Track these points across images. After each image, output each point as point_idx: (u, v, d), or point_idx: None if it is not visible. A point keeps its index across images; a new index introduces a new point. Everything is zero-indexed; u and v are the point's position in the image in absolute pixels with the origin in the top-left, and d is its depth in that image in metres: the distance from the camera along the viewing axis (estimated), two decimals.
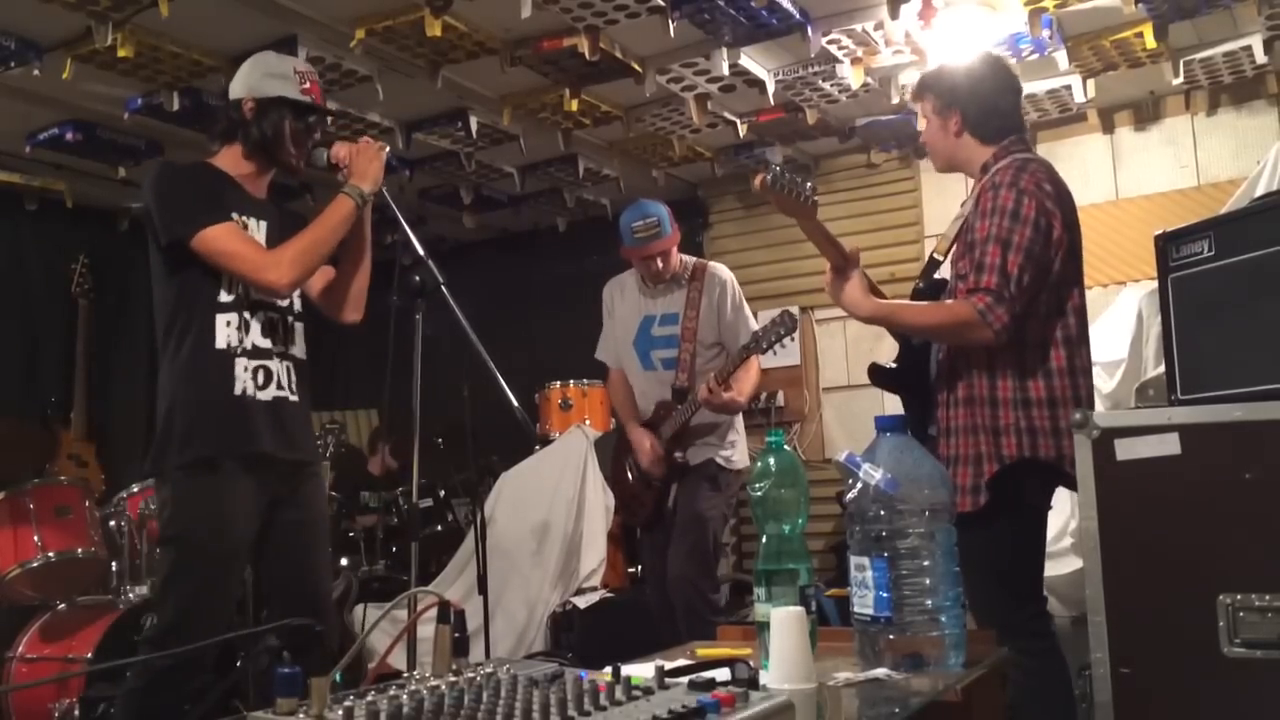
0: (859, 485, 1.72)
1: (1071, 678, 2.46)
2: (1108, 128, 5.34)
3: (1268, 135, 4.87)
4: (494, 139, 5.08)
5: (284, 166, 2.71)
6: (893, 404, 2.69)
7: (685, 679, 1.28)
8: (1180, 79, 4.71)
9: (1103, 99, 5.07)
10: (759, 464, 1.72)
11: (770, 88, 4.57)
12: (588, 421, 5.40)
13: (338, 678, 1.18)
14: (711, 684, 1.24)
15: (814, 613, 1.64)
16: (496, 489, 4.99)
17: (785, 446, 1.74)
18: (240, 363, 2.56)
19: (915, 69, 4.54)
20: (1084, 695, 2.55)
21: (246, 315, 2.59)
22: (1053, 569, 2.87)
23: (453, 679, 1.30)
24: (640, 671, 1.30)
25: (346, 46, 3.97)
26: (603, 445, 4.83)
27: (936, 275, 2.68)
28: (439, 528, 5.65)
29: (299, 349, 2.72)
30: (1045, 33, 4.12)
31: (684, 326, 3.78)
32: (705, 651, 1.81)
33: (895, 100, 4.84)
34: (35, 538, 3.98)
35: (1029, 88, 4.72)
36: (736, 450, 3.83)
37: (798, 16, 4.00)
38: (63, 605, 4.02)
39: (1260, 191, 3.57)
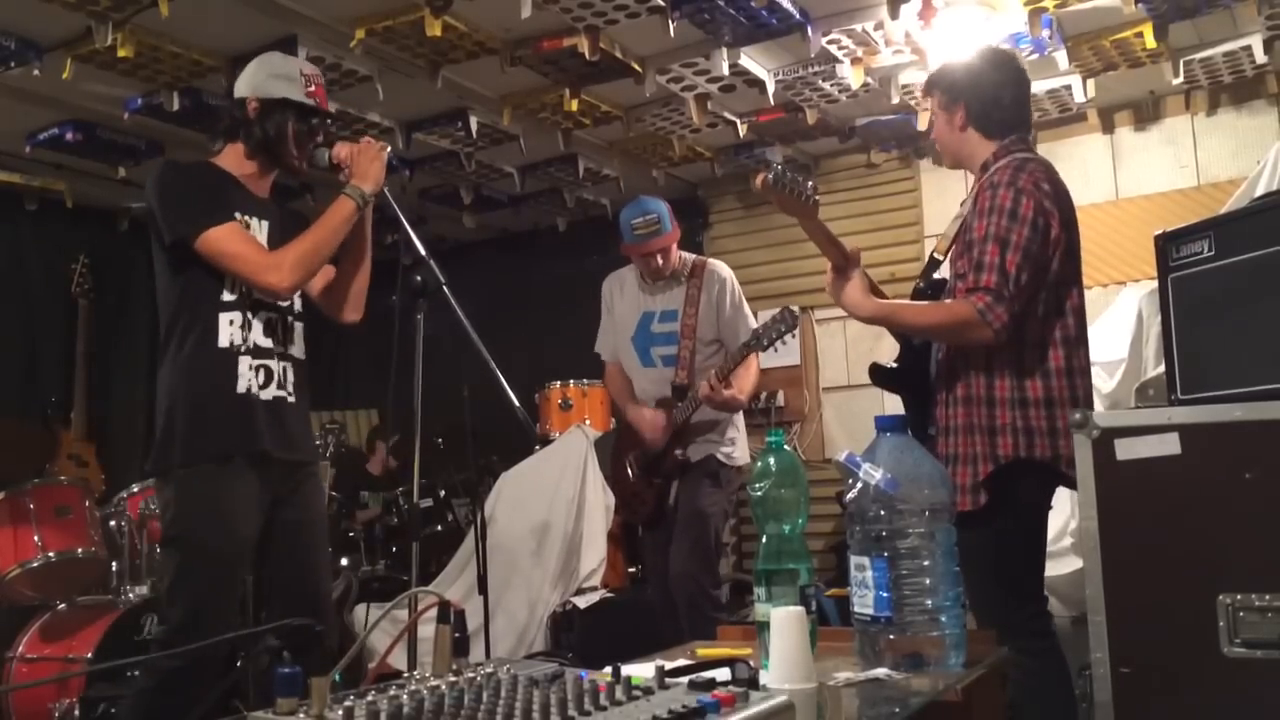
0: (859, 485, 1.72)
1: (1072, 677, 2.46)
2: (1108, 128, 5.34)
3: (1267, 135, 4.87)
4: (494, 139, 5.08)
5: (285, 168, 2.71)
6: (893, 404, 2.69)
7: (685, 679, 1.28)
8: (1180, 79, 4.71)
9: (1103, 99, 5.08)
10: (759, 464, 1.71)
11: (770, 88, 4.57)
12: (588, 421, 5.41)
13: (337, 678, 1.18)
14: (712, 684, 1.24)
15: (814, 612, 1.64)
16: (496, 489, 4.99)
17: (785, 446, 1.73)
18: (244, 361, 2.57)
19: (915, 69, 4.55)
20: (1084, 695, 2.55)
21: (249, 314, 2.59)
22: (1053, 569, 2.86)
23: (453, 679, 1.30)
24: (640, 671, 1.30)
25: (346, 46, 3.97)
26: (603, 445, 4.83)
27: (936, 275, 2.69)
28: (439, 528, 5.66)
29: (298, 349, 2.72)
30: (1045, 33, 4.12)
31: (683, 323, 3.78)
32: (705, 651, 1.81)
33: (895, 100, 4.84)
34: (35, 538, 3.98)
35: None
36: (737, 447, 3.84)
37: (798, 16, 4.00)
38: (63, 605, 4.02)
39: (1260, 191, 3.57)
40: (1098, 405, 3.15)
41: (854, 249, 2.52)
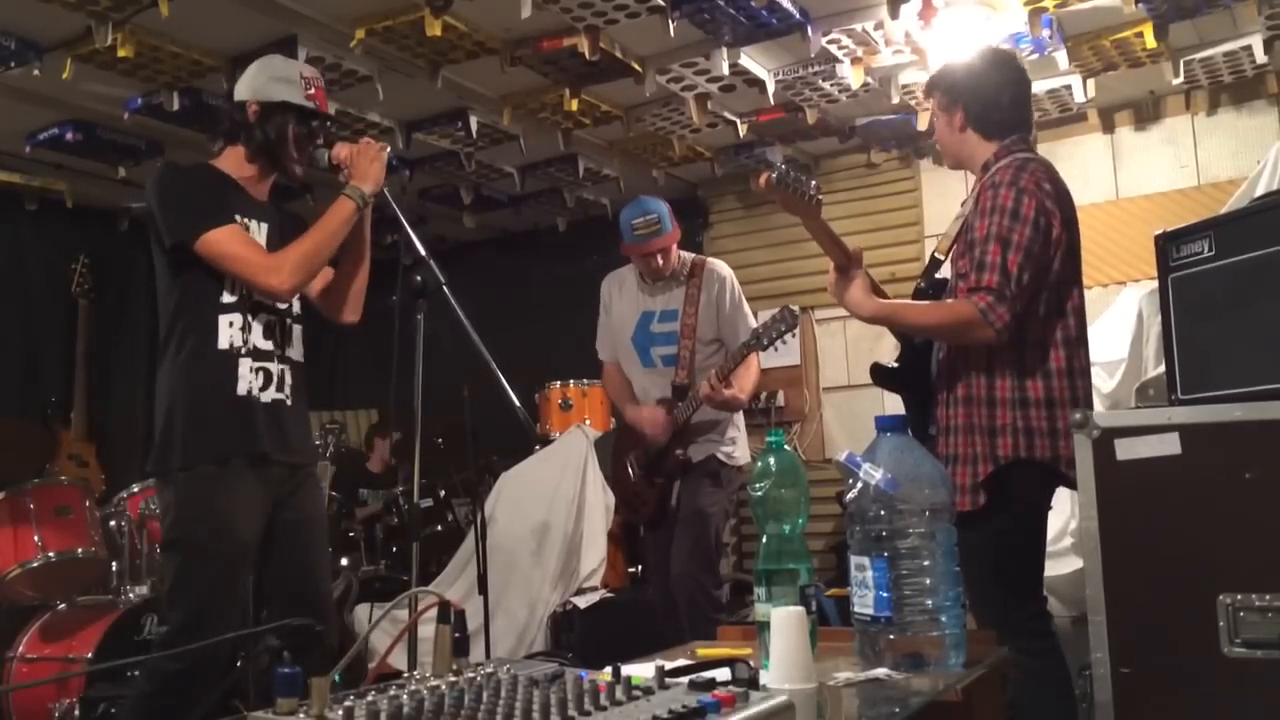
0: (859, 485, 1.72)
1: (1072, 677, 2.46)
2: (1108, 127, 5.34)
3: (1268, 135, 4.87)
4: (494, 139, 5.08)
5: (284, 172, 2.71)
6: (893, 404, 2.69)
7: (685, 679, 1.28)
8: (1180, 79, 4.71)
9: (1103, 99, 5.08)
10: (759, 464, 1.71)
11: (770, 87, 4.57)
12: (588, 421, 5.41)
13: (337, 678, 1.18)
14: (712, 684, 1.24)
15: (814, 612, 1.64)
16: (497, 489, 4.99)
17: (785, 446, 1.73)
18: (244, 363, 2.57)
19: (915, 69, 4.55)
20: (1084, 695, 2.55)
21: (249, 316, 2.59)
22: (1053, 569, 2.86)
23: (453, 679, 1.30)
24: (640, 671, 1.30)
25: (346, 46, 3.97)
26: (603, 445, 4.83)
27: (938, 275, 2.69)
28: (439, 527, 5.66)
29: (296, 351, 2.72)
30: (1045, 32, 4.12)
31: (683, 323, 3.78)
32: (705, 651, 1.81)
33: (895, 100, 4.84)
34: (35, 538, 3.98)
35: None
36: (738, 446, 3.83)
37: (798, 16, 4.00)
38: (63, 605, 4.02)
39: (1260, 191, 3.57)
40: (1098, 405, 3.15)
41: (856, 249, 2.52)
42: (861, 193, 5.88)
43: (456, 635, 1.38)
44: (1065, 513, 3.70)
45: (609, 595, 4.72)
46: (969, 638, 1.73)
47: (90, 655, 3.69)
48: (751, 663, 1.50)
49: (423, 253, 2.67)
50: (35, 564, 3.96)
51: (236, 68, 2.79)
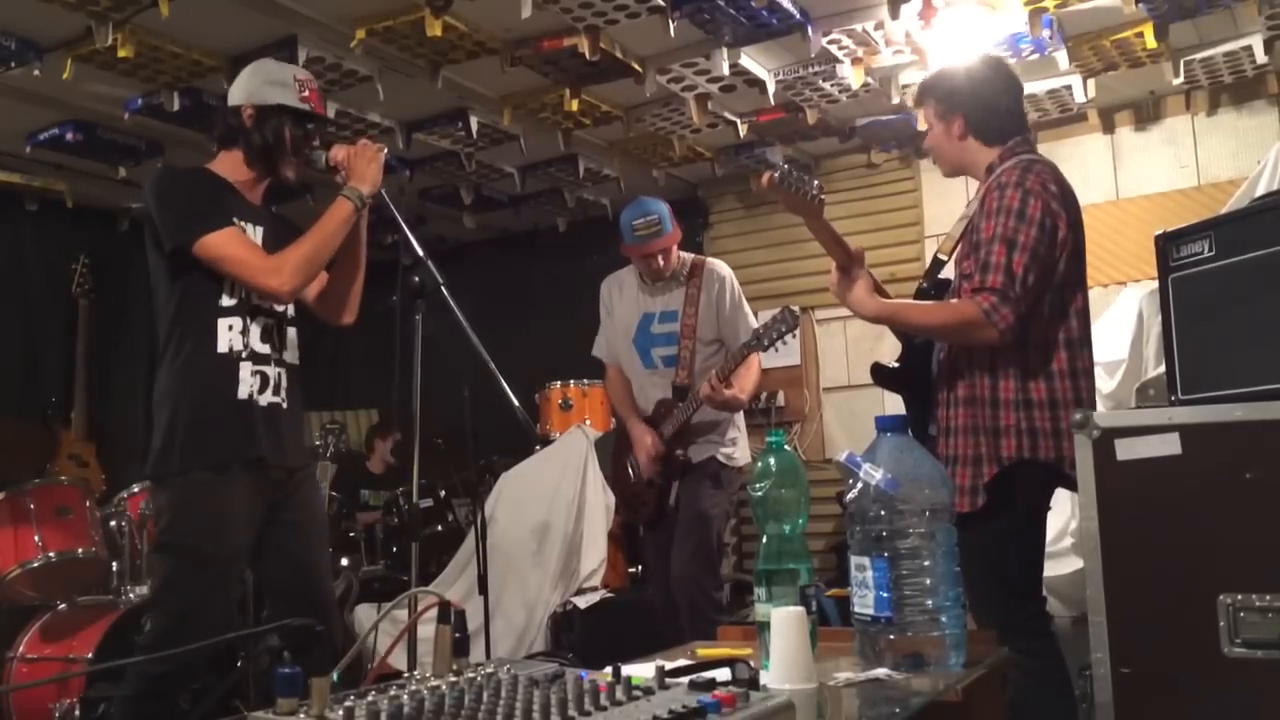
0: (859, 485, 1.72)
1: (1072, 678, 2.46)
2: (1108, 128, 5.34)
3: (1268, 135, 4.87)
4: (494, 139, 5.08)
5: (280, 176, 2.71)
6: (893, 404, 2.69)
7: (686, 679, 1.28)
8: (1180, 79, 4.71)
9: (1103, 99, 5.08)
10: (759, 464, 1.71)
11: (770, 88, 4.57)
12: (588, 421, 5.41)
13: (334, 678, 1.18)
14: (712, 684, 1.24)
15: (814, 613, 1.64)
16: (497, 489, 4.99)
17: (785, 446, 1.73)
18: (244, 367, 2.57)
19: (915, 69, 4.55)
20: (1084, 695, 2.55)
21: (247, 320, 2.59)
22: (1053, 569, 2.87)
23: (453, 679, 1.30)
24: (641, 671, 1.30)
25: (347, 46, 3.97)
26: (603, 445, 4.83)
27: (941, 275, 2.68)
28: (439, 528, 5.66)
29: (292, 354, 2.72)
30: (1045, 32, 4.12)
31: (683, 324, 3.78)
32: (706, 651, 1.81)
33: (895, 100, 4.84)
34: (36, 538, 3.98)
35: (1029, 88, 4.71)
36: (738, 448, 3.83)
37: (798, 16, 4.00)
38: (63, 605, 4.02)
39: (1260, 191, 3.57)
40: (1098, 406, 3.15)
41: (858, 248, 2.52)
42: (862, 193, 5.88)
43: (457, 635, 1.38)
44: (1065, 513, 3.70)
45: (609, 595, 4.72)
46: (969, 638, 1.73)
47: (90, 655, 3.70)
48: (752, 663, 1.50)
49: (421, 254, 2.67)
50: (35, 564, 3.96)
51: (236, 68, 2.79)
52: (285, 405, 2.67)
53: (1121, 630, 1.88)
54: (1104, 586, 1.89)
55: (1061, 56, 4.38)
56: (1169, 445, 1.87)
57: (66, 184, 5.36)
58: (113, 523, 4.23)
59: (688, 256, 3.91)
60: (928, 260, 2.78)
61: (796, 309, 3.60)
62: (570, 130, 5.08)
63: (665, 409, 3.78)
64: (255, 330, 2.61)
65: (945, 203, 5.51)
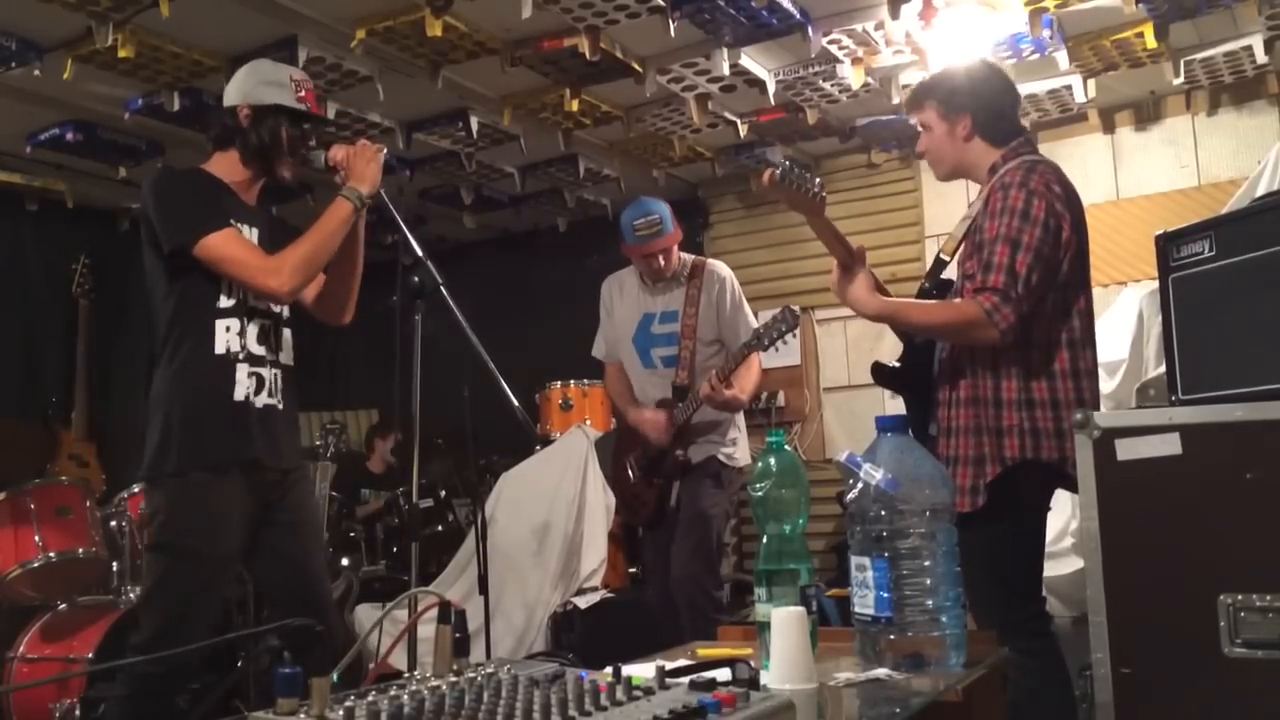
0: (860, 485, 1.72)
1: (1072, 678, 2.46)
2: (1108, 128, 5.34)
3: (1268, 135, 4.87)
4: (494, 139, 5.08)
5: (276, 176, 2.71)
6: (894, 404, 2.69)
7: (686, 679, 1.28)
8: (1181, 79, 4.71)
9: (1103, 99, 5.08)
10: (759, 464, 1.71)
11: (771, 88, 4.57)
12: (588, 421, 5.41)
13: (334, 678, 1.18)
14: (712, 684, 1.24)
15: (814, 613, 1.64)
16: (497, 489, 4.99)
17: (786, 446, 1.73)
18: (241, 368, 2.57)
19: (916, 69, 4.55)
20: (1085, 695, 2.55)
21: (245, 321, 2.59)
22: (1053, 569, 2.87)
23: (453, 679, 1.30)
24: (641, 672, 1.30)
25: (347, 47, 3.97)
26: (603, 445, 4.83)
27: (943, 275, 2.68)
28: (439, 528, 5.66)
29: (287, 356, 2.72)
30: (1046, 33, 4.12)
31: (683, 324, 3.78)
32: (706, 651, 1.81)
33: (896, 100, 4.83)
34: (36, 538, 3.98)
35: (1029, 88, 4.73)
36: (738, 448, 3.83)
37: (798, 16, 4.00)
38: (63, 605, 4.02)
39: (1261, 191, 3.57)
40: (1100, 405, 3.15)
41: (859, 246, 2.52)
42: (862, 193, 5.88)
43: (457, 635, 1.38)
44: (1065, 513, 3.70)
45: (609, 595, 4.72)
46: (969, 638, 1.73)
47: (91, 655, 3.69)
48: (752, 663, 1.50)
49: (420, 254, 2.67)
50: (36, 564, 3.96)
51: (236, 68, 2.78)
52: (281, 407, 2.67)
53: (1122, 630, 1.87)
54: (1104, 586, 1.89)
55: (1062, 56, 4.38)
56: (1169, 445, 1.87)
57: (67, 184, 5.36)
58: (113, 523, 4.22)
59: (688, 257, 3.91)
60: (928, 260, 2.78)
61: (797, 309, 3.60)
62: (570, 130, 5.08)
63: (665, 409, 3.78)
64: (252, 331, 2.61)
65: (945, 203, 5.50)
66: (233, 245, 2.51)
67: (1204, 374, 1.96)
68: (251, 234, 2.65)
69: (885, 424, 1.80)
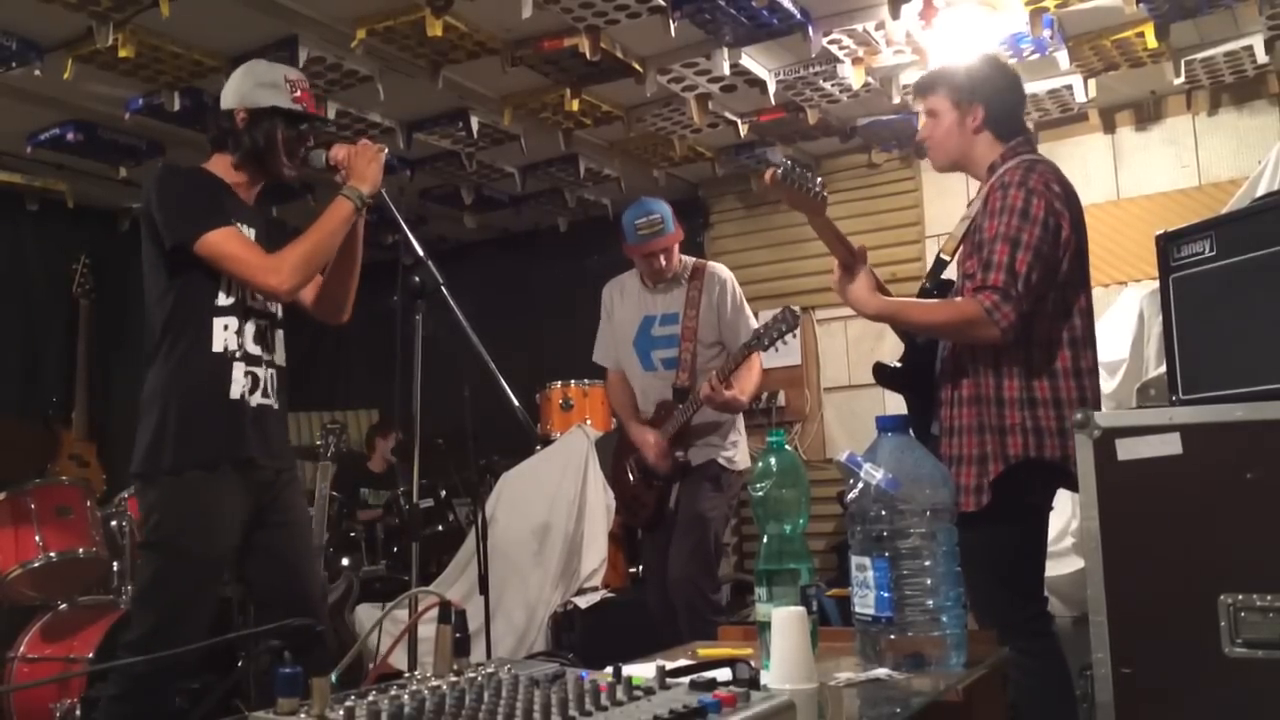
0: (860, 485, 1.72)
1: (1072, 678, 2.46)
2: (1109, 127, 5.34)
3: (1269, 135, 4.87)
4: (495, 139, 5.08)
5: (275, 176, 2.71)
6: (894, 404, 2.69)
7: (686, 679, 1.28)
8: (1181, 79, 4.71)
9: (1104, 99, 5.07)
10: (760, 464, 1.72)
11: (771, 87, 4.57)
12: (589, 421, 5.40)
13: (334, 678, 1.18)
14: (713, 684, 1.24)
15: (815, 613, 1.64)
16: (497, 489, 4.99)
17: (786, 446, 1.73)
18: (238, 367, 2.57)
19: (916, 69, 4.55)
20: (1085, 695, 2.55)
21: (242, 320, 2.60)
22: (1054, 569, 2.86)
23: (454, 679, 1.30)
24: (641, 671, 1.30)
25: (347, 46, 3.97)
26: (604, 445, 4.83)
27: (943, 275, 2.68)
28: (440, 528, 5.66)
29: (280, 356, 2.73)
30: (1046, 32, 4.12)
31: (684, 326, 3.78)
32: (706, 651, 1.81)
33: (896, 100, 4.84)
34: (36, 538, 3.98)
35: (1030, 88, 4.70)
36: (738, 450, 3.83)
37: (798, 16, 4.00)
38: (64, 605, 4.02)
39: (1261, 191, 3.57)
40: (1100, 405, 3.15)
41: (860, 246, 2.52)
42: (862, 193, 5.88)
43: (457, 635, 1.38)
44: (1066, 513, 3.71)
45: (610, 595, 4.72)
46: (970, 638, 1.73)
47: (91, 655, 3.69)
48: (752, 663, 1.50)
49: (421, 254, 2.67)
50: (36, 564, 3.96)
51: (236, 68, 2.79)
52: (275, 407, 2.67)
53: (1122, 630, 1.87)
54: (1105, 586, 1.89)
55: (1062, 56, 4.38)
56: (1170, 445, 1.87)
57: (67, 184, 5.36)
58: (113, 523, 4.23)
59: (689, 260, 3.91)
60: (928, 260, 2.78)
61: (797, 309, 3.60)
62: (571, 130, 5.07)
63: (665, 411, 3.78)
64: (250, 330, 2.61)
65: (946, 203, 5.51)
66: (233, 243, 2.51)
67: (1204, 374, 1.96)
68: (250, 234, 2.65)
69: (886, 424, 1.80)
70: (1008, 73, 2.63)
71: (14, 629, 3.99)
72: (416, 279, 2.64)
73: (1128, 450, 1.90)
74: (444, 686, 1.25)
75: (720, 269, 3.89)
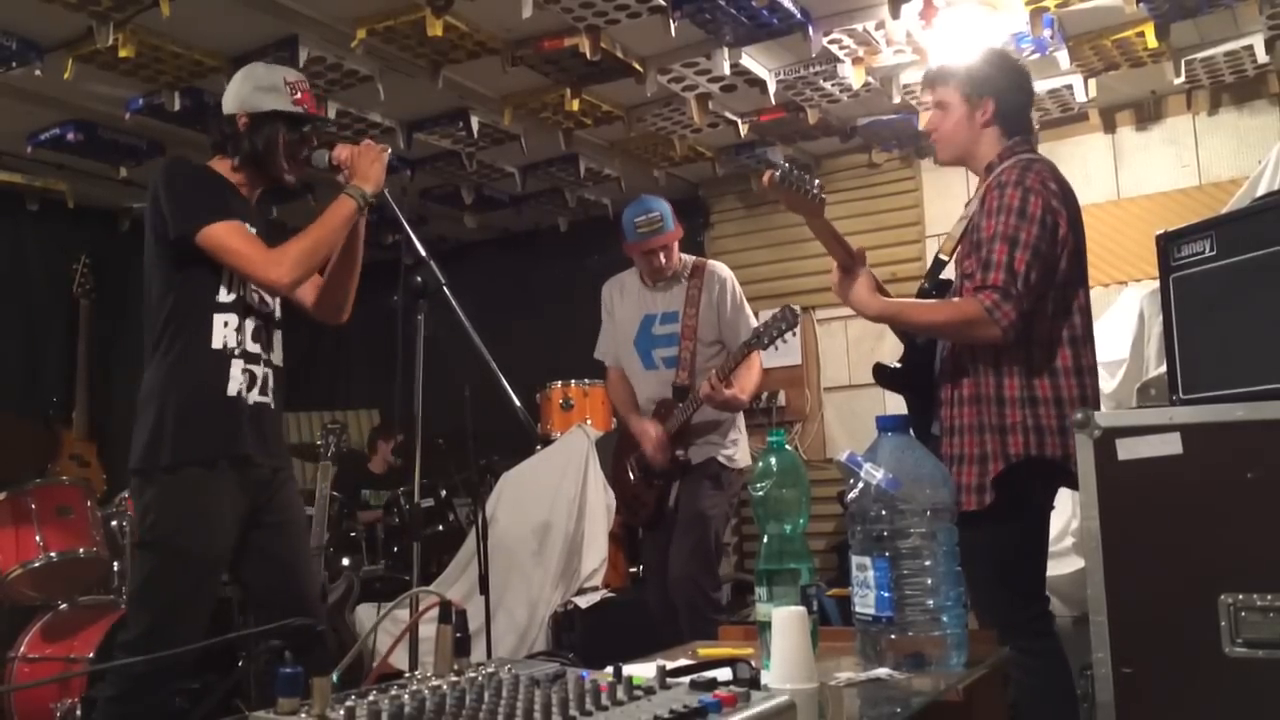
0: (860, 485, 1.72)
1: (1073, 677, 2.46)
2: (1109, 127, 5.34)
3: (1269, 134, 4.87)
4: (495, 139, 5.08)
5: (276, 180, 2.72)
6: (894, 403, 2.69)
7: (687, 679, 1.28)
8: (1181, 78, 4.71)
9: (1104, 98, 5.07)
10: (760, 464, 1.72)
11: (771, 87, 4.57)
12: (589, 421, 5.41)
13: (334, 678, 1.18)
14: (713, 684, 1.24)
15: (815, 612, 1.64)
16: (498, 489, 4.99)
17: (786, 446, 1.74)
18: (236, 364, 2.57)
19: (916, 68, 4.55)
20: (1086, 695, 2.55)
21: (242, 317, 2.60)
22: (1055, 569, 2.86)
23: (454, 679, 1.30)
24: (642, 671, 1.30)
25: (347, 46, 3.97)
26: (604, 445, 4.83)
27: (942, 276, 2.68)
28: (440, 528, 5.66)
29: (278, 356, 2.73)
30: (1046, 32, 4.12)
31: (684, 324, 3.78)
32: (707, 651, 1.81)
33: (896, 100, 4.84)
34: (37, 538, 3.98)
35: None
36: (739, 449, 3.83)
37: (799, 16, 4.00)
38: (64, 605, 4.02)
39: (1261, 191, 3.57)
40: (1100, 405, 3.15)
41: (859, 248, 2.52)
42: (863, 193, 5.88)
43: (458, 635, 1.38)
44: (1066, 512, 3.70)
45: (610, 595, 4.72)
46: (970, 637, 1.73)
47: (92, 655, 3.69)
48: (753, 663, 1.50)
49: (423, 253, 2.67)
50: (37, 564, 3.96)
51: (237, 68, 2.78)
52: (272, 405, 2.68)
53: (1122, 630, 1.87)
54: (1105, 586, 1.89)
55: (1062, 56, 4.38)
56: (1170, 445, 1.87)
57: (67, 184, 5.36)
58: (114, 522, 4.23)
59: (689, 258, 3.91)
60: (928, 260, 2.78)
61: (797, 308, 3.60)
62: (571, 130, 5.08)
63: (665, 409, 3.78)
64: (249, 328, 2.62)
65: (946, 202, 5.51)
66: (236, 236, 2.51)
67: (1205, 374, 1.96)
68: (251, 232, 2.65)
69: (886, 424, 1.81)
70: (1018, 68, 2.63)
71: (14, 629, 4.00)
72: (419, 279, 2.65)
73: (1128, 450, 1.90)
74: (444, 686, 1.25)
75: (720, 267, 3.89)
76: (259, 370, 2.64)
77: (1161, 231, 2.09)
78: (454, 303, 2.63)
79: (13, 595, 4.01)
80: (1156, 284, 2.19)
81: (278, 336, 2.74)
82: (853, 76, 4.49)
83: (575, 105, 4.59)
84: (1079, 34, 4.32)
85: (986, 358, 2.43)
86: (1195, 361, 1.99)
